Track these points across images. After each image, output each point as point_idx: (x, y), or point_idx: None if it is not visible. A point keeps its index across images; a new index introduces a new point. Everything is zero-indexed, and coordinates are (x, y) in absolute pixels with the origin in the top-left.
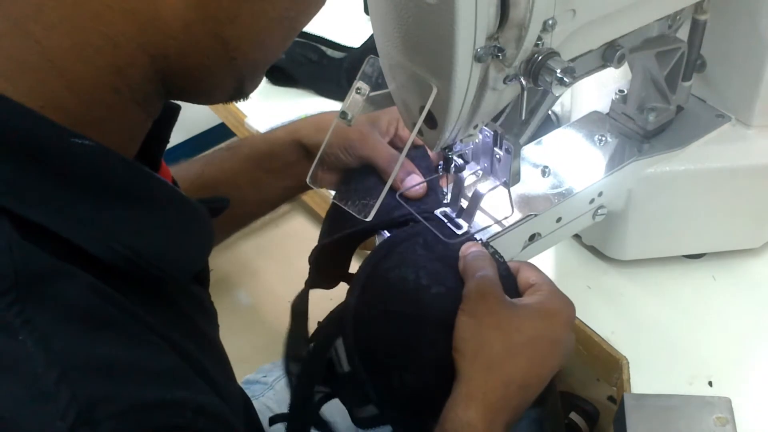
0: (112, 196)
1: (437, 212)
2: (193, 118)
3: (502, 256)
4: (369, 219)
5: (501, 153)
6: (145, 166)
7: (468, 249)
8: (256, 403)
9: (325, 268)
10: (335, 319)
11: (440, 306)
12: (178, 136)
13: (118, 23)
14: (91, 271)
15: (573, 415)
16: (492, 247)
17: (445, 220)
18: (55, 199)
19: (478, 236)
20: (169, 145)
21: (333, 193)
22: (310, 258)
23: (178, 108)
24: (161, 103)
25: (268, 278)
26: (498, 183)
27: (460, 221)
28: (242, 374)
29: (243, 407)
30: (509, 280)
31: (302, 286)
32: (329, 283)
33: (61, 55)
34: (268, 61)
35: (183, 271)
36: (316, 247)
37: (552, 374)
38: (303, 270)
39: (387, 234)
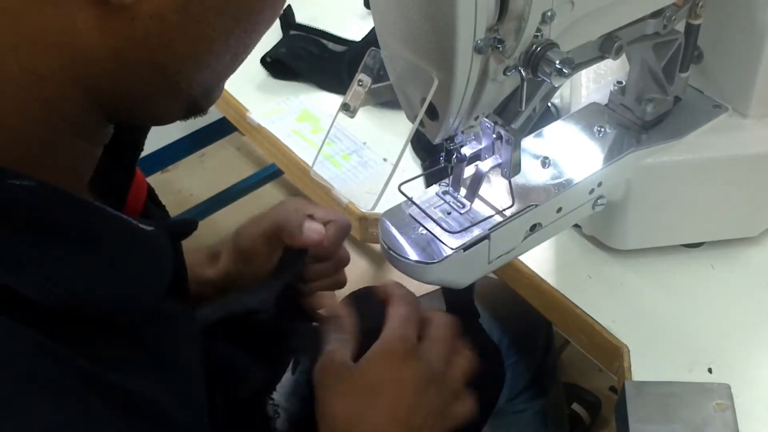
0: (53, 238)
1: (439, 193)
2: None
3: None
4: (371, 210)
5: (501, 144)
6: (120, 173)
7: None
8: None
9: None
10: None
11: None
12: (179, 131)
13: (41, 57)
14: (31, 316)
15: (575, 406)
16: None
17: (449, 200)
18: None
19: (477, 229)
20: (170, 140)
21: (333, 186)
22: None
23: None
24: (109, 129)
25: None
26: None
27: (464, 200)
28: None
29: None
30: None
31: None
32: None
33: None
34: (221, 78)
35: (133, 308)
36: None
37: (433, 409)
38: None
39: None
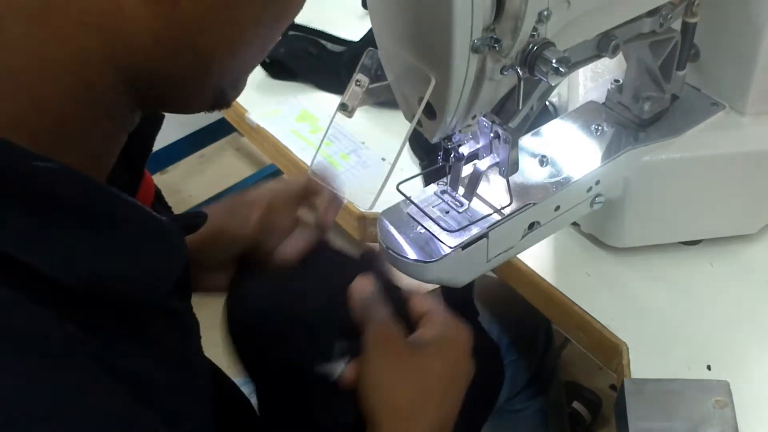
0: (74, 219)
1: (438, 192)
2: (193, 114)
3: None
4: (369, 209)
5: (499, 143)
6: (129, 175)
7: (357, 291)
8: None
9: None
10: None
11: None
12: (178, 131)
13: (84, 38)
14: (50, 296)
15: (576, 404)
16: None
17: (447, 199)
18: (14, 223)
19: (475, 227)
20: (170, 141)
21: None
22: None
23: (162, 117)
24: (137, 115)
25: None
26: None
27: (462, 199)
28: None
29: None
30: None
31: None
32: None
33: (26, 72)
34: (247, 69)
35: (148, 292)
36: None
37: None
38: None
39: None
